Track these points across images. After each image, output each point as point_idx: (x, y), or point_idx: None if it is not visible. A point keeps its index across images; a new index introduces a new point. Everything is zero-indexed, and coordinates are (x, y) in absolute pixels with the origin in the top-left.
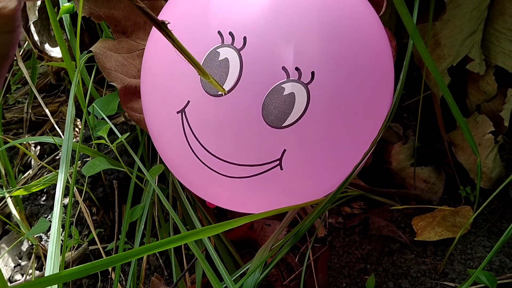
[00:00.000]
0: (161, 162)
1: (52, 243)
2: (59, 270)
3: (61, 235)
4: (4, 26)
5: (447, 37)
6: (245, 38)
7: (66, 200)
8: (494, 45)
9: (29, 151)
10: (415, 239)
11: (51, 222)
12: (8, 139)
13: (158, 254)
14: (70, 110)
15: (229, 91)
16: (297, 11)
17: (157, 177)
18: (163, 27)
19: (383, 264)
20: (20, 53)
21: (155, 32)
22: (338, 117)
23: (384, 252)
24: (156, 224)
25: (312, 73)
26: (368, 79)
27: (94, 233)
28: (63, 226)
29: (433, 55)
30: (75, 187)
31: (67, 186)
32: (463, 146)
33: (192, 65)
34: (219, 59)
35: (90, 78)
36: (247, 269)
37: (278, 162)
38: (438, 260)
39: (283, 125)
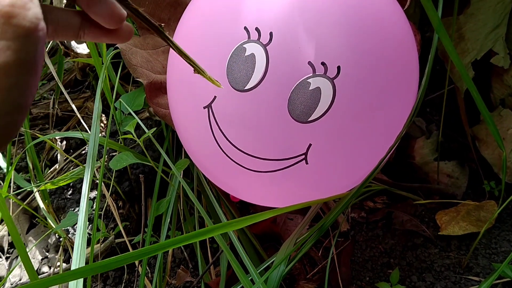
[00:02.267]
0: (186, 156)
1: (79, 237)
2: (87, 263)
3: (88, 228)
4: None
5: (471, 30)
6: (271, 34)
7: (93, 194)
8: None
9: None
10: (439, 233)
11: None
12: (35, 134)
13: (183, 247)
14: (97, 105)
15: (255, 86)
16: (322, 6)
17: (182, 172)
18: (160, 29)
19: (407, 258)
20: (47, 49)
21: (181, 27)
22: (363, 112)
23: (407, 247)
24: (181, 217)
25: (338, 67)
26: (393, 72)
27: (120, 226)
28: (90, 220)
29: (457, 49)
30: (102, 182)
31: (94, 180)
32: (487, 141)
33: (189, 63)
34: (245, 54)
35: (116, 74)
36: (271, 262)
37: (303, 156)
38: (462, 254)
39: (308, 119)
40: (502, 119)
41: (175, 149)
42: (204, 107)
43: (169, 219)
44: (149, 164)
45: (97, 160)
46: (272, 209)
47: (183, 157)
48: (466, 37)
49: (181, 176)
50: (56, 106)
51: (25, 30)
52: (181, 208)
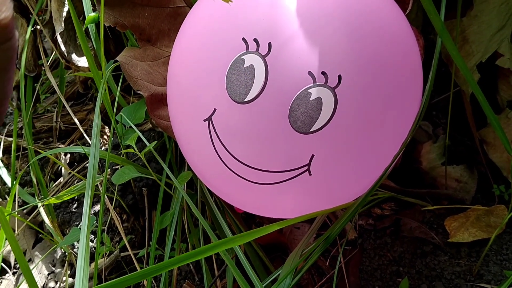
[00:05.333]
0: (189, 168)
1: (81, 258)
2: (91, 278)
3: (93, 242)
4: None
5: (475, 33)
6: (270, 44)
7: (97, 208)
8: None
9: (59, 159)
10: (448, 240)
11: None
12: (38, 149)
13: None
14: (96, 121)
15: (255, 98)
16: (321, 14)
17: (185, 183)
18: None
19: (416, 266)
20: (48, 63)
21: (179, 39)
22: (366, 120)
23: (416, 254)
24: (186, 229)
25: (339, 76)
26: (396, 79)
27: (125, 240)
28: (95, 233)
29: (462, 51)
30: (105, 195)
31: (98, 194)
32: (495, 144)
33: None
34: (244, 66)
35: (118, 86)
36: (278, 274)
37: (306, 167)
38: (472, 261)
39: (310, 130)
40: (509, 122)
41: (178, 160)
42: (204, 120)
43: (173, 232)
44: (152, 177)
45: (100, 174)
46: (277, 221)
47: (186, 169)
48: (470, 40)
49: (185, 187)
50: (59, 120)
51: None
52: (186, 220)
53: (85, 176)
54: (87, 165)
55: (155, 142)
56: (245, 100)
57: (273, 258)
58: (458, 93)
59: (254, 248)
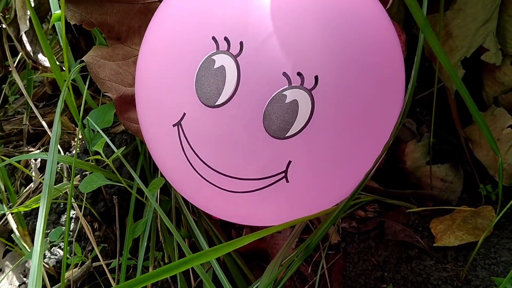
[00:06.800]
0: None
1: (33, 276)
2: None
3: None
4: None
5: (459, 27)
6: (241, 43)
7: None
8: (510, 32)
9: (30, 163)
10: (434, 245)
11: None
12: (5, 155)
13: None
14: (56, 129)
15: (226, 101)
16: (296, 11)
17: (159, 189)
18: None
19: (401, 272)
20: (15, 64)
21: (147, 37)
22: (346, 123)
23: (401, 259)
24: (161, 238)
25: (316, 77)
26: (377, 78)
27: (96, 250)
28: (70, 243)
29: (445, 47)
30: (75, 204)
31: (66, 202)
32: (480, 142)
33: None
34: (214, 67)
35: (86, 86)
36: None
37: (283, 174)
38: (460, 266)
39: (286, 135)
40: (495, 119)
41: (152, 165)
42: (174, 125)
43: (145, 243)
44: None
45: (68, 181)
46: (258, 226)
47: (159, 175)
48: (454, 34)
49: (158, 194)
50: (27, 122)
51: None
52: (160, 228)
53: (56, 181)
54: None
55: (123, 148)
56: (216, 103)
57: (253, 266)
58: (442, 89)
59: (232, 257)
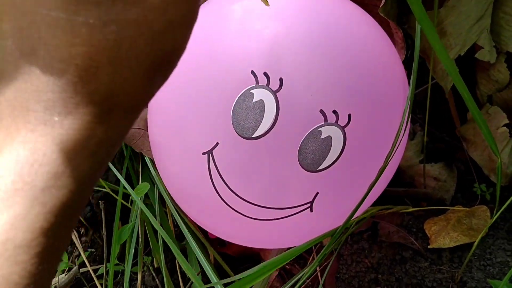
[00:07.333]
0: (149, 178)
1: None
2: None
3: None
4: None
5: (452, 24)
6: (281, 80)
7: None
8: (505, 29)
9: None
10: (428, 247)
11: None
12: None
13: (154, 274)
14: None
15: (264, 134)
16: (331, 52)
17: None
18: None
19: (396, 274)
20: None
21: (180, 64)
22: (370, 156)
23: (396, 260)
24: (150, 241)
25: (349, 115)
26: (392, 108)
27: (83, 256)
28: None
29: None
30: None
31: None
32: (475, 141)
33: None
34: (253, 100)
35: None
36: None
37: (309, 204)
38: (455, 267)
39: (318, 168)
40: (490, 118)
41: (138, 169)
42: (204, 153)
43: (133, 248)
44: (109, 187)
45: None
46: (267, 265)
47: (152, 173)
48: (448, 32)
49: (143, 198)
50: None
51: None
52: (147, 232)
53: None
54: None
55: None
56: (253, 136)
57: (244, 269)
58: (435, 86)
59: (222, 261)
